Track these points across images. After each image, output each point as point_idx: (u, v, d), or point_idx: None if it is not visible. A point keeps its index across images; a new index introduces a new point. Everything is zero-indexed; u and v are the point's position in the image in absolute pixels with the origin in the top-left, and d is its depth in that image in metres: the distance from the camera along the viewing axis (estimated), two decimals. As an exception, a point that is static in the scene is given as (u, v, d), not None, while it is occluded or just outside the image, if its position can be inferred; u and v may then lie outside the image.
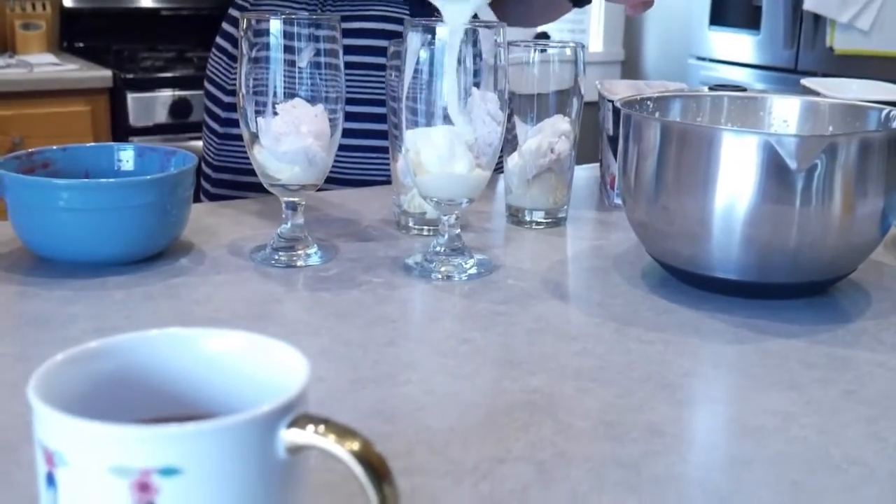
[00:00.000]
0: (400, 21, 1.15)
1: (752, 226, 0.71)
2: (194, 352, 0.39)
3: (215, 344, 0.40)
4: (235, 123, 1.19)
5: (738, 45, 3.10)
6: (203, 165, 1.27)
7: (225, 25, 1.26)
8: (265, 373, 0.38)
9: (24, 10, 2.71)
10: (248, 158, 1.17)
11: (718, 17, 3.18)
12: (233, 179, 1.20)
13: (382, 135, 1.14)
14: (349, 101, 1.14)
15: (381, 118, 1.13)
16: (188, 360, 0.39)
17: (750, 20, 3.05)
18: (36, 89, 2.36)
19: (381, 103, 1.13)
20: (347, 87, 1.13)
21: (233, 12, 1.25)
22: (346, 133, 1.15)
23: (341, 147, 1.14)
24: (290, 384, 0.36)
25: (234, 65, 1.19)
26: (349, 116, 1.14)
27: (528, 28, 1.46)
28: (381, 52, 1.13)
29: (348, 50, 1.12)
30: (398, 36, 1.14)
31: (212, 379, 0.39)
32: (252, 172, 1.15)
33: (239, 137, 1.18)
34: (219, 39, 1.26)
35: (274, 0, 1.19)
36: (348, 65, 1.13)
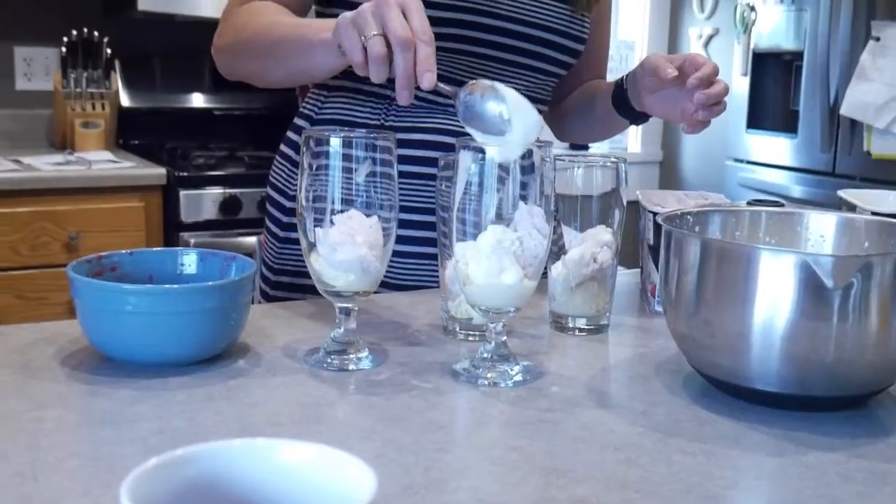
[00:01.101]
0: (456, 133, 1.20)
1: (791, 341, 0.74)
2: (269, 461, 0.43)
3: (289, 454, 0.43)
4: (296, 228, 1.24)
5: (775, 147, 3.14)
6: (262, 268, 1.32)
7: (289, 133, 1.31)
8: (335, 484, 0.41)
9: (84, 109, 2.83)
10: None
11: (756, 120, 3.23)
12: (291, 282, 1.24)
13: (433, 242, 1.19)
14: (402, 209, 1.19)
15: (433, 226, 1.18)
16: (264, 469, 0.42)
17: (787, 124, 3.10)
18: (93, 185, 2.45)
19: (434, 212, 1.18)
20: (401, 195, 1.18)
21: (298, 121, 1.30)
22: (399, 240, 1.20)
23: (394, 253, 1.19)
24: (358, 497, 0.39)
25: (297, 171, 1.24)
26: (402, 224, 1.19)
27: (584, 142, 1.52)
28: (436, 163, 1.18)
29: (405, 160, 1.18)
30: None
31: (285, 488, 0.42)
32: (309, 275, 1.19)
33: (299, 242, 1.23)
34: (283, 147, 1.31)
35: (339, 110, 1.24)
36: (404, 174, 1.18)
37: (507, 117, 0.90)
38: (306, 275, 1.21)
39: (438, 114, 1.21)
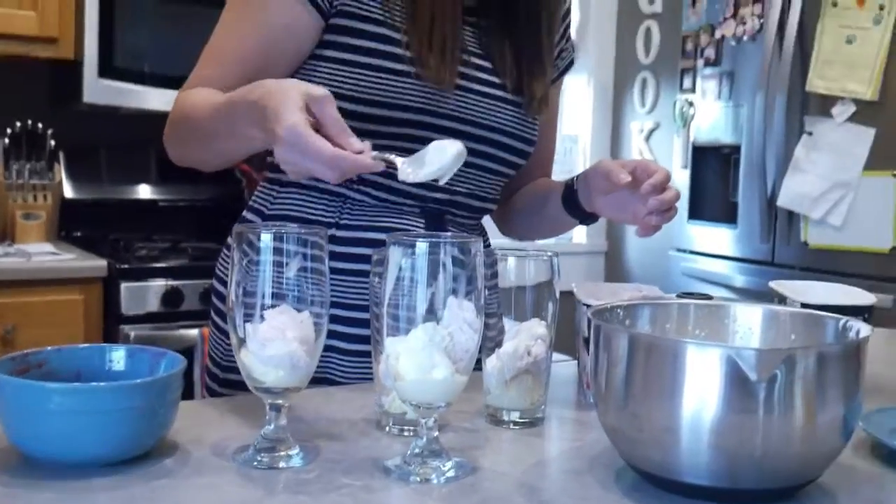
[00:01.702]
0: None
1: (719, 434, 0.74)
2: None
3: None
4: None
5: (716, 238, 3.20)
6: (210, 364, 1.29)
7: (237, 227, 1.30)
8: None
9: (26, 200, 2.80)
10: None
11: (697, 211, 3.30)
12: (242, 380, 1.22)
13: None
14: (351, 308, 1.18)
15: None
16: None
17: (727, 214, 3.16)
18: (32, 278, 2.41)
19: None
20: (351, 293, 1.18)
21: (248, 215, 1.29)
22: (347, 338, 1.19)
23: (332, 349, 1.19)
24: None
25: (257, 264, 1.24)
26: (350, 322, 1.19)
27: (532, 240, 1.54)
28: None
29: (357, 258, 1.18)
30: None
31: None
32: None
33: None
34: (230, 240, 1.30)
35: (292, 206, 1.23)
36: (356, 272, 1.18)
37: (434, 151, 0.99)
38: None
39: (393, 213, 1.21)
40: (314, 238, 0.87)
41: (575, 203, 1.30)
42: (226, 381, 1.24)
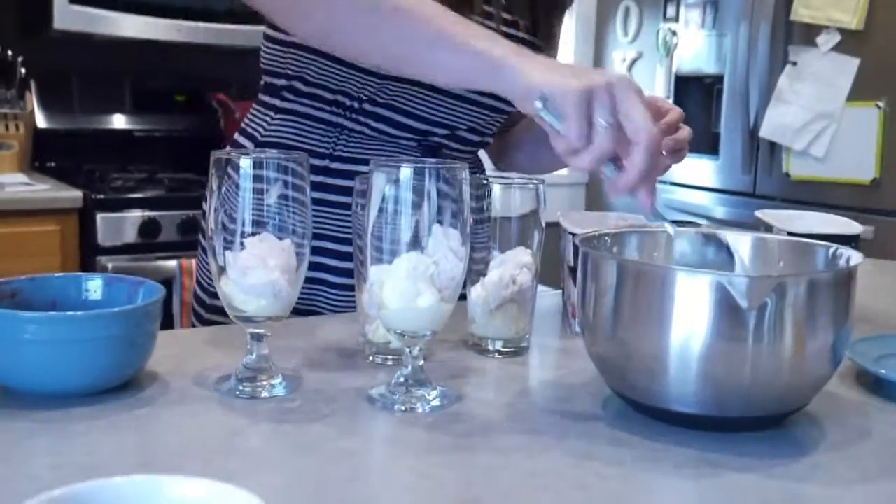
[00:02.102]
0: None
1: (707, 362, 0.74)
2: (156, 499, 0.40)
3: (177, 491, 0.40)
4: None
5: (697, 169, 3.19)
6: (198, 290, 1.28)
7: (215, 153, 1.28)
8: (225, 522, 0.39)
9: (-3, 130, 2.75)
10: None
11: (679, 142, 3.28)
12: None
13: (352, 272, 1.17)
14: (337, 240, 1.17)
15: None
16: (149, 507, 0.40)
17: (709, 145, 3.15)
18: (5, 209, 2.37)
19: None
20: (338, 225, 1.16)
21: (240, 139, 1.26)
22: (332, 270, 1.17)
23: (323, 283, 1.17)
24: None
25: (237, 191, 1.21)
26: (336, 254, 1.17)
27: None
28: None
29: (346, 190, 1.15)
30: None
31: (172, 527, 0.40)
32: None
33: None
34: None
35: (286, 134, 1.20)
36: (344, 205, 1.16)
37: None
38: None
39: (390, 146, 1.19)
40: (294, 164, 0.85)
41: None
42: (213, 307, 1.22)
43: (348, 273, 1.17)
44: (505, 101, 1.22)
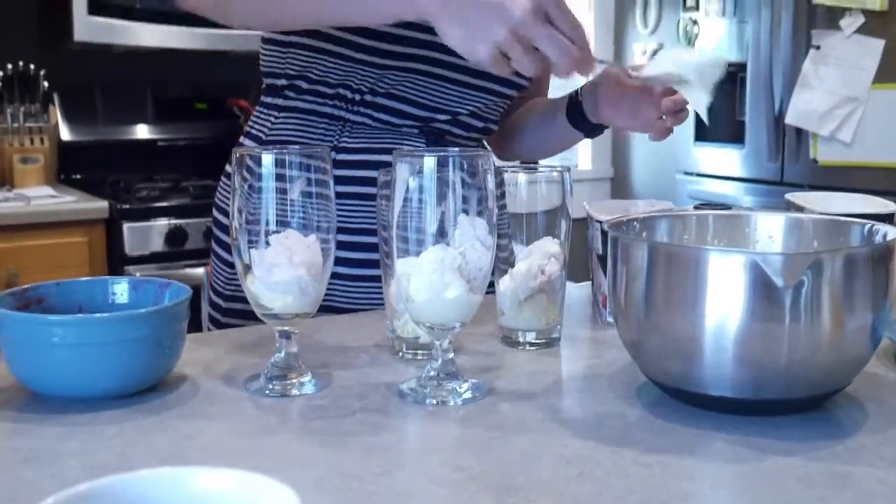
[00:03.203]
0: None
1: (743, 344, 0.72)
2: (184, 491, 0.39)
3: (205, 483, 0.39)
4: None
5: (723, 159, 3.16)
6: (212, 295, 1.27)
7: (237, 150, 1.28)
8: (256, 512, 0.38)
9: (23, 144, 2.76)
10: None
11: (703, 132, 3.25)
12: (244, 309, 1.20)
13: (377, 264, 1.16)
14: (353, 231, 1.16)
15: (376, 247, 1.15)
16: (179, 499, 0.39)
17: (734, 135, 3.11)
18: (33, 222, 2.38)
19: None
20: (352, 217, 1.15)
21: (245, 141, 1.26)
22: (350, 263, 1.17)
23: (335, 276, 1.16)
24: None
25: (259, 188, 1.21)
26: (352, 246, 1.16)
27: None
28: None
29: (356, 181, 1.15)
30: None
31: (202, 520, 0.39)
32: None
33: None
34: (228, 168, 1.28)
35: (291, 131, 1.20)
36: (355, 195, 1.15)
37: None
38: None
39: (393, 135, 1.19)
40: (317, 159, 0.84)
41: (580, 115, 1.26)
42: (229, 310, 1.22)
43: (361, 263, 1.16)
44: (505, 84, 1.21)
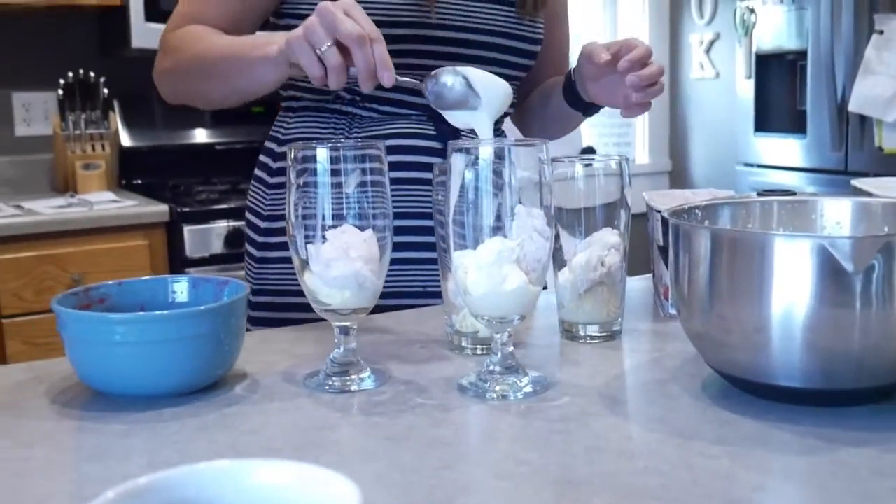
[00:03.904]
0: (419, 135, 1.19)
1: (813, 331, 0.70)
2: (244, 484, 0.39)
3: (265, 475, 0.39)
4: (272, 247, 1.22)
5: (785, 149, 3.10)
6: None
7: (260, 157, 1.31)
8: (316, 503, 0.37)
9: (84, 151, 2.81)
10: (285, 281, 1.18)
11: (763, 122, 3.19)
12: (272, 301, 1.21)
13: (422, 247, 1.16)
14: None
15: (417, 230, 1.15)
16: (238, 492, 0.38)
17: (795, 124, 3.05)
18: (96, 226, 2.42)
19: (417, 216, 1.16)
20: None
21: (268, 144, 1.30)
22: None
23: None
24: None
25: (270, 192, 1.23)
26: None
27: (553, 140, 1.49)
28: (412, 166, 1.16)
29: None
30: (425, 151, 1.17)
31: (263, 512, 0.38)
32: (291, 293, 1.15)
33: (276, 260, 1.21)
34: (256, 170, 1.30)
35: (304, 129, 1.24)
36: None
37: (476, 94, 0.98)
38: (286, 293, 1.19)
39: (400, 120, 1.20)
40: (372, 151, 0.83)
41: (574, 93, 1.26)
42: (257, 304, 1.23)
43: (397, 247, 1.16)
44: (504, 65, 1.21)
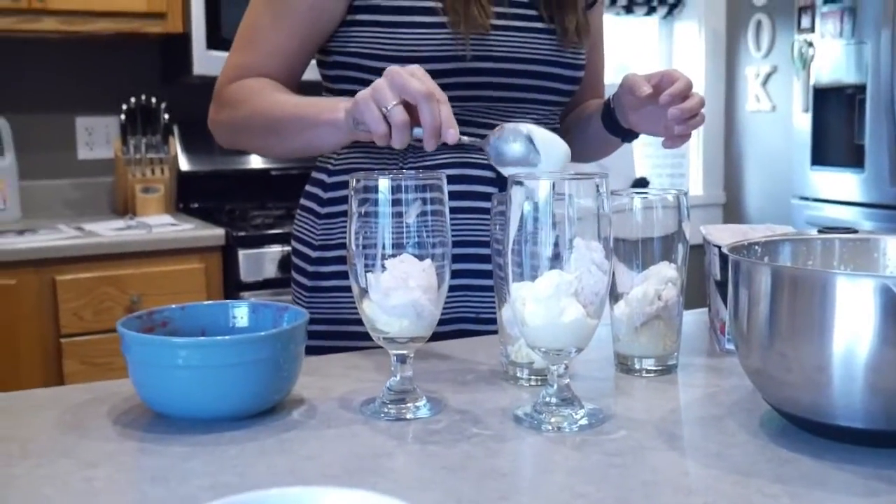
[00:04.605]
0: (469, 165, 1.20)
1: (875, 371, 0.69)
2: (312, 511, 0.39)
3: (332, 502, 0.40)
4: (324, 276, 1.23)
5: (842, 183, 3.06)
6: None
7: (308, 187, 1.32)
8: (383, 533, 0.38)
9: (144, 175, 2.86)
10: (337, 309, 1.19)
11: (820, 156, 3.16)
12: (326, 330, 1.22)
13: (476, 274, 1.16)
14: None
15: (471, 258, 1.16)
16: (306, 519, 0.39)
17: (853, 158, 3.02)
18: (153, 249, 2.47)
19: (471, 244, 1.17)
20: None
21: (316, 175, 1.31)
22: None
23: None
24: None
25: (321, 222, 1.24)
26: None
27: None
28: (465, 195, 1.17)
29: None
30: (478, 180, 1.17)
31: (330, 539, 0.39)
32: (343, 322, 1.16)
33: (328, 290, 1.22)
34: (303, 200, 1.32)
35: (355, 161, 1.24)
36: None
37: (537, 152, 0.98)
38: (339, 321, 1.20)
39: (452, 149, 1.20)
40: (433, 181, 0.85)
41: (613, 120, 1.27)
42: (310, 333, 1.22)
43: (460, 274, 1.17)
44: (549, 92, 1.23)
